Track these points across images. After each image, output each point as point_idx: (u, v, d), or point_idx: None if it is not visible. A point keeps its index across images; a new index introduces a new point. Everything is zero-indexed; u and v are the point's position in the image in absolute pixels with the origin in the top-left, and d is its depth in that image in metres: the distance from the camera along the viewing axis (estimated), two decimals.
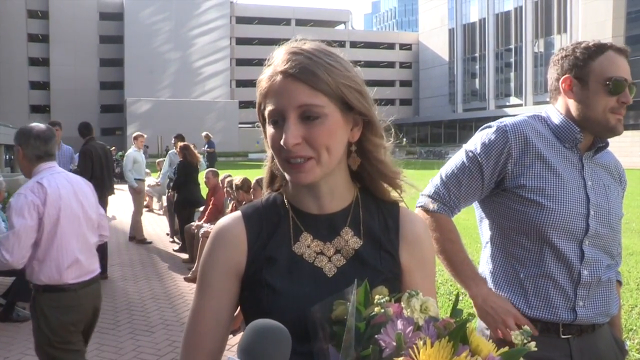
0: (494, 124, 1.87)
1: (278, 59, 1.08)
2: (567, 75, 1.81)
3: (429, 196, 1.91)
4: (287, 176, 1.11)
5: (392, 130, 1.20)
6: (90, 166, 7.31)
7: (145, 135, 10.70)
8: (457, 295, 1.02)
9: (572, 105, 1.81)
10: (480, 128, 1.92)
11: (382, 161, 1.16)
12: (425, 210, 1.90)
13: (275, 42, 1.12)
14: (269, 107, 1.07)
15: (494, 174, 1.81)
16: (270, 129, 1.08)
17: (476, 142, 1.86)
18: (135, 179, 10.10)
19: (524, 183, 1.76)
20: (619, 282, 2.01)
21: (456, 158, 1.91)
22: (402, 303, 0.90)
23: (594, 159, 1.85)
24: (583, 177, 1.80)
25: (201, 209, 9.05)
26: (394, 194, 1.22)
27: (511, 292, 1.82)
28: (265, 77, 1.09)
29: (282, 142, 1.03)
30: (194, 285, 1.38)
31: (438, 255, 1.85)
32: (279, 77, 1.05)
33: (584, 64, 1.78)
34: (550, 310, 1.77)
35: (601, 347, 1.82)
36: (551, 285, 1.77)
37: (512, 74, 60.36)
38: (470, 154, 1.85)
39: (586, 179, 1.80)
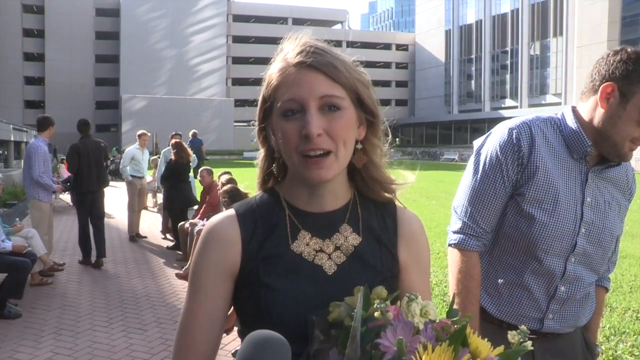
0: (504, 126, 1.76)
1: (291, 52, 1.06)
2: (611, 83, 1.62)
3: (456, 232, 1.81)
4: (303, 173, 1.06)
5: (389, 134, 1.19)
6: (76, 161, 7.86)
7: (149, 134, 10.64)
8: (454, 296, 1.01)
9: (599, 114, 1.65)
10: (487, 134, 1.82)
11: (376, 164, 1.15)
12: (457, 248, 1.80)
13: (272, 40, 1.11)
14: (285, 98, 1.03)
15: (513, 177, 1.71)
16: (283, 123, 1.04)
17: (489, 145, 1.75)
18: (132, 176, 10.09)
19: (524, 192, 1.70)
20: (606, 289, 1.98)
21: (468, 176, 1.80)
22: (401, 308, 0.90)
23: (602, 173, 1.75)
24: (583, 193, 1.71)
25: (196, 207, 9.03)
26: (387, 194, 1.20)
27: (485, 292, 1.81)
28: (275, 70, 1.07)
29: (304, 133, 1.00)
30: (186, 283, 1.34)
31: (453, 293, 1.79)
32: (293, 69, 1.04)
33: (636, 82, 1.58)
34: (518, 318, 1.76)
35: (566, 348, 1.82)
36: (525, 296, 1.75)
37: (507, 76, 60.60)
38: (488, 158, 1.74)
39: (586, 195, 1.71)
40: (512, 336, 0.89)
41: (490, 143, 1.77)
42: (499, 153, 1.72)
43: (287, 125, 1.04)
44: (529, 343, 0.87)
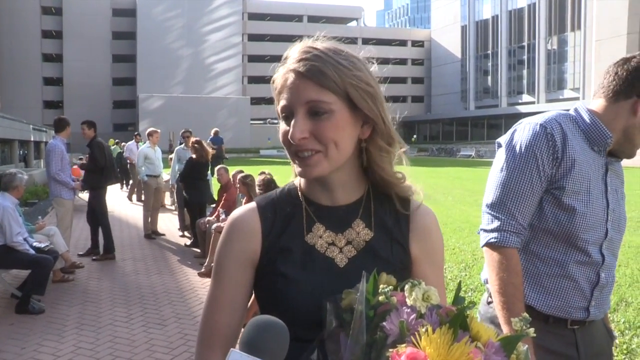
0: (533, 122, 1.77)
1: (291, 58, 1.12)
2: None
3: (494, 230, 1.77)
4: (296, 169, 1.15)
5: (396, 135, 1.19)
6: (104, 156, 8.21)
7: (159, 131, 10.74)
8: (459, 284, 1.07)
9: (630, 119, 1.75)
10: (512, 130, 1.82)
11: (378, 164, 1.17)
12: (495, 247, 1.76)
13: (287, 38, 1.16)
14: (281, 104, 1.11)
15: (548, 171, 1.74)
16: (282, 125, 1.13)
17: (520, 140, 1.76)
18: (147, 175, 10.20)
19: (563, 185, 1.72)
20: None
21: (500, 173, 1.79)
22: (405, 292, 0.95)
23: (612, 165, 1.84)
24: (605, 182, 1.79)
25: (213, 205, 9.13)
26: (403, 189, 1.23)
27: (529, 286, 1.81)
28: (278, 75, 1.14)
29: (289, 137, 1.08)
30: (206, 280, 1.39)
31: (496, 295, 1.75)
32: (290, 76, 1.10)
33: None
34: (565, 309, 1.79)
35: (597, 335, 1.90)
36: (571, 286, 1.78)
37: (524, 72, 60.05)
38: (521, 153, 1.75)
39: (607, 184, 1.80)
40: (515, 323, 0.93)
41: (521, 138, 1.77)
42: (533, 147, 1.73)
43: (283, 128, 1.12)
44: (531, 330, 0.91)
